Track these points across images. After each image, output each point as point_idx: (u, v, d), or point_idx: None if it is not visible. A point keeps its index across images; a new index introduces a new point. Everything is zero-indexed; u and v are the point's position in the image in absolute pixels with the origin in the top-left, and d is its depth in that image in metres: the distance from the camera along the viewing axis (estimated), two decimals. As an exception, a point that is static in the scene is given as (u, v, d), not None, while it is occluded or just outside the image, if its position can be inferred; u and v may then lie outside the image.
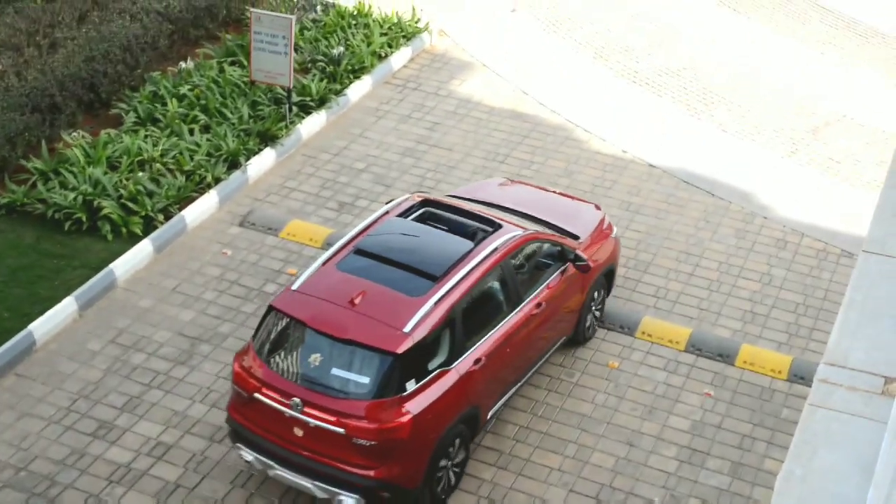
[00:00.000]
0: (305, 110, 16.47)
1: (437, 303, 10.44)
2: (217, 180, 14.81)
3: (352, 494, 10.14)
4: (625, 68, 18.56)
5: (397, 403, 10.03)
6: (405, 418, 10.01)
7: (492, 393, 11.16)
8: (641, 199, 15.45)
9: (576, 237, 12.63)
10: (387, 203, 12.13)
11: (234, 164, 15.17)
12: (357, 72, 17.46)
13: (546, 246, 11.95)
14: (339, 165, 15.77)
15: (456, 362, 10.57)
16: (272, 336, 10.49)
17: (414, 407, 10.10)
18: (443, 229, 11.46)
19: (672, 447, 11.70)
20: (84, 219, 13.91)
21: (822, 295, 13.96)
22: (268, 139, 15.71)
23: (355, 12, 18.76)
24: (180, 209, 14.31)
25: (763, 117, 17.49)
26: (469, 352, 10.72)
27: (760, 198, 15.68)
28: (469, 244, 11.17)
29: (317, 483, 10.20)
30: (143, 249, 13.69)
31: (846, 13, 20.75)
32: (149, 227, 14.01)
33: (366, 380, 10.04)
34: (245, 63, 16.90)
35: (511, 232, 11.54)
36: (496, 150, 16.25)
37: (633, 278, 13.98)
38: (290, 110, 16.06)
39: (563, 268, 12.03)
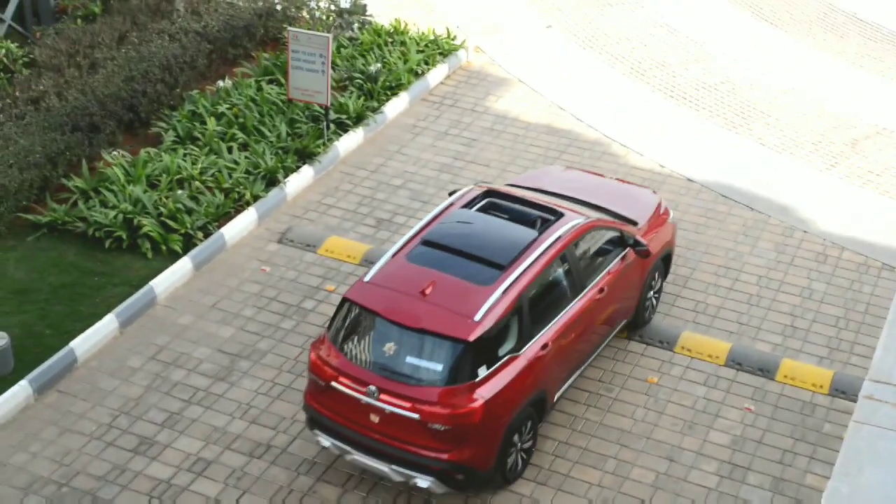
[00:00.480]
0: (343, 128, 16.54)
1: (505, 291, 10.82)
2: (256, 198, 14.90)
3: (427, 476, 10.56)
4: (661, 83, 18.53)
5: (470, 389, 10.43)
6: (477, 403, 10.39)
7: (558, 376, 11.55)
8: (680, 213, 15.38)
9: (634, 223, 12.92)
10: (450, 194, 12.48)
11: (272, 182, 15.25)
12: (394, 89, 17.52)
13: (607, 233, 12.27)
14: (376, 182, 15.82)
15: (524, 348, 10.94)
16: (347, 326, 10.90)
17: (485, 392, 10.47)
18: (507, 219, 11.82)
19: (713, 462, 11.63)
20: (124, 237, 14.02)
21: (864, 309, 13.84)
22: (306, 157, 15.79)
23: (392, 30, 18.84)
24: (219, 227, 14.40)
25: (801, 131, 17.40)
26: (536, 338, 11.09)
27: (800, 211, 15.58)
28: (533, 233, 11.55)
29: (393, 466, 10.64)
30: (182, 267, 13.77)
31: (885, 26, 20.62)
32: (188, 244, 14.11)
33: (439, 367, 10.47)
34: (282, 81, 17.01)
35: (573, 220, 11.86)
36: (533, 165, 16.25)
37: (672, 293, 13.92)
38: (328, 128, 16.14)
39: (623, 253, 12.38)
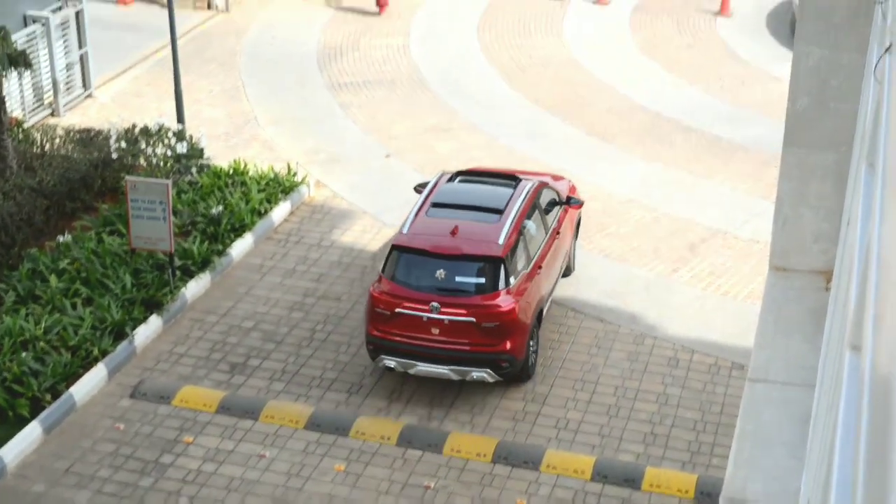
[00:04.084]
0: (189, 273, 16.35)
1: (510, 225, 14.44)
2: (104, 353, 14.55)
3: (480, 369, 13.70)
4: (503, 203, 18.83)
5: (507, 293, 13.90)
6: (514, 303, 13.88)
7: (545, 295, 14.97)
8: (532, 331, 15.54)
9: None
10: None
11: (120, 335, 14.93)
12: (238, 230, 17.44)
13: (551, 193, 16.05)
14: (227, 326, 15.63)
15: (529, 267, 14.46)
16: (399, 266, 14.02)
17: (517, 296, 13.97)
18: (484, 184, 15.74)
19: (589, 580, 11.60)
20: (-32, 406, 13.50)
21: (719, 409, 14.13)
22: (153, 306, 15.53)
23: (231, 171, 18.80)
24: (68, 386, 13.99)
25: (641, 239, 17.87)
26: (533, 260, 14.64)
27: (648, 318, 15.92)
28: (509, 190, 15.30)
29: (452, 367, 13.73)
30: (31, 432, 13.31)
31: (708, 132, 21.48)
32: (36, 408, 13.64)
33: (482, 280, 13.90)
34: (124, 231, 16.76)
35: (530, 181, 15.71)
36: (384, 295, 16.25)
37: (532, 412, 14.00)
38: (174, 275, 15.93)
39: (561, 210, 16.06)
